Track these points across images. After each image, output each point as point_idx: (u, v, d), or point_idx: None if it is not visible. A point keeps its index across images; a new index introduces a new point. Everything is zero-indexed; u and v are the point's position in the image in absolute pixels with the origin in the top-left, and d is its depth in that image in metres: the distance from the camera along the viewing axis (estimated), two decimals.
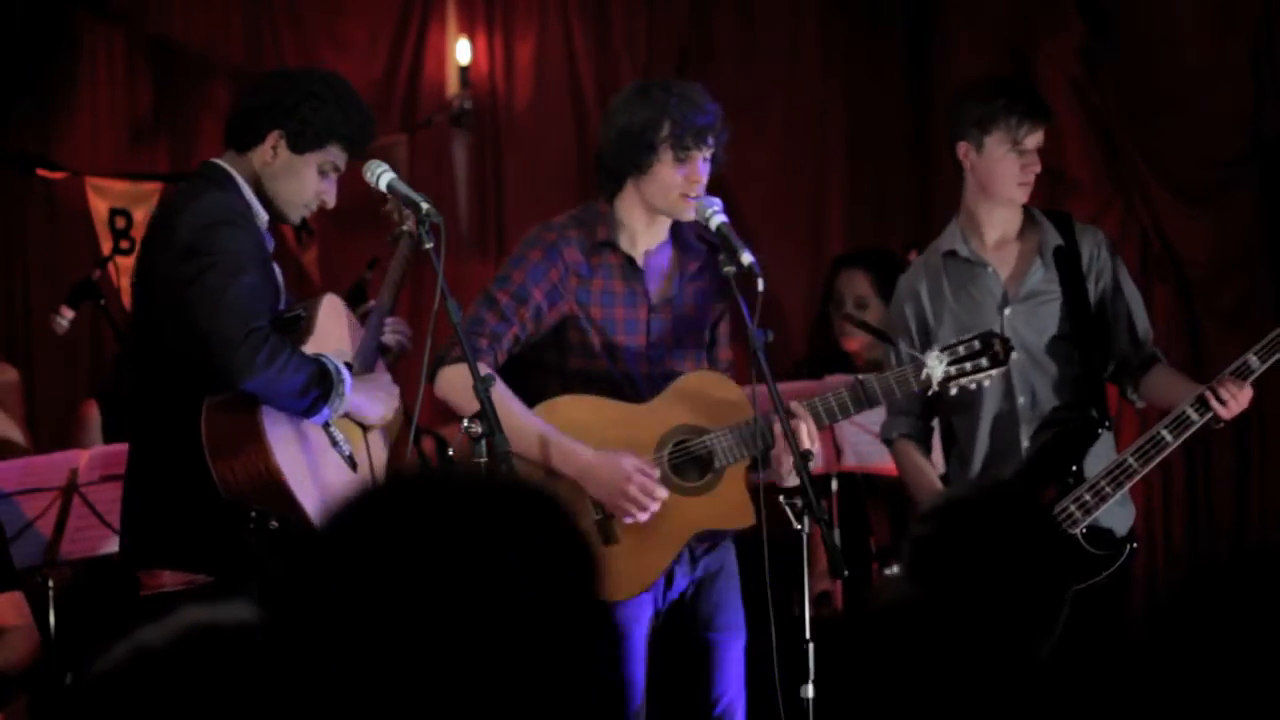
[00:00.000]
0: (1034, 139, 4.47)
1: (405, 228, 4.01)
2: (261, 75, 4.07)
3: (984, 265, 4.52)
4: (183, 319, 3.72)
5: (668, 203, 4.08)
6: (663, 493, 3.99)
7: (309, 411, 3.74)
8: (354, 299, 4.52)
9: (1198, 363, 6.54)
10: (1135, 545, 4.47)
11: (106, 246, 6.55)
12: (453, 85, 7.27)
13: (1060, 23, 6.78)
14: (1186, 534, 6.64)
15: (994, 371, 4.08)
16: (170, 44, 7.04)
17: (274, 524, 3.71)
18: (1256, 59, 6.52)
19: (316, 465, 3.80)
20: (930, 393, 4.11)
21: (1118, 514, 4.47)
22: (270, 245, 3.96)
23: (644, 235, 4.16)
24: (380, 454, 4.04)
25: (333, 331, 3.94)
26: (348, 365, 3.93)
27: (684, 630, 4.15)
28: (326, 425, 3.85)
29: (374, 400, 3.93)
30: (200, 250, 3.70)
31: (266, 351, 3.63)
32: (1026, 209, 4.58)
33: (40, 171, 6.78)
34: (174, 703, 1.43)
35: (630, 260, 4.14)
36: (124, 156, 6.97)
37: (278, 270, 3.98)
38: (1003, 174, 4.48)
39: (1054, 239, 4.52)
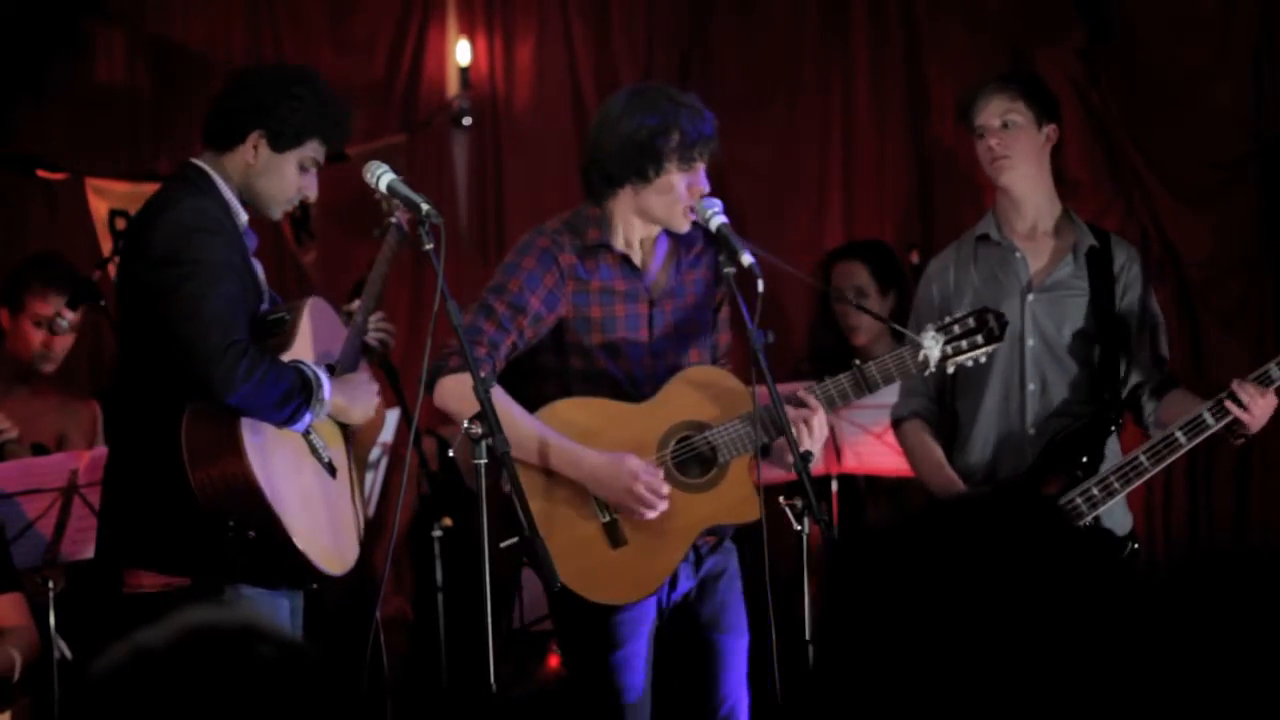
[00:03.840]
0: (986, 114, 4.55)
1: (393, 219, 4.02)
2: (237, 74, 4.02)
3: (1014, 250, 4.57)
4: (162, 329, 3.72)
5: (669, 214, 4.07)
6: (667, 490, 3.99)
7: (290, 420, 3.74)
8: (354, 299, 4.52)
9: (1198, 363, 6.54)
10: (1137, 546, 4.47)
11: (106, 247, 6.55)
12: (453, 86, 7.27)
13: (1060, 23, 6.78)
14: (1186, 534, 6.64)
15: (989, 348, 4.08)
16: (170, 44, 7.04)
17: (251, 534, 3.71)
18: (1256, 59, 6.52)
19: (293, 474, 3.79)
20: (927, 373, 4.11)
21: (1117, 516, 4.48)
22: (253, 244, 3.96)
23: (639, 234, 4.15)
24: (358, 462, 4.06)
25: (317, 334, 3.93)
26: (330, 368, 3.94)
27: (688, 631, 4.15)
28: (307, 433, 3.85)
29: (355, 400, 3.94)
30: (177, 259, 3.70)
31: (246, 364, 3.63)
32: (1067, 211, 4.62)
33: (40, 172, 6.77)
34: (172, 704, 1.43)
35: (626, 259, 4.14)
36: (124, 156, 6.97)
37: (259, 268, 3.98)
38: (981, 159, 4.61)
39: (1088, 240, 4.57)
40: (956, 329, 4.06)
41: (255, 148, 3.86)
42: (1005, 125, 4.52)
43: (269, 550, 3.74)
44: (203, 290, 3.66)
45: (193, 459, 3.69)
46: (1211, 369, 6.45)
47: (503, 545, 3.77)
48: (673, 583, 4.12)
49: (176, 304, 3.68)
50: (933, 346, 4.03)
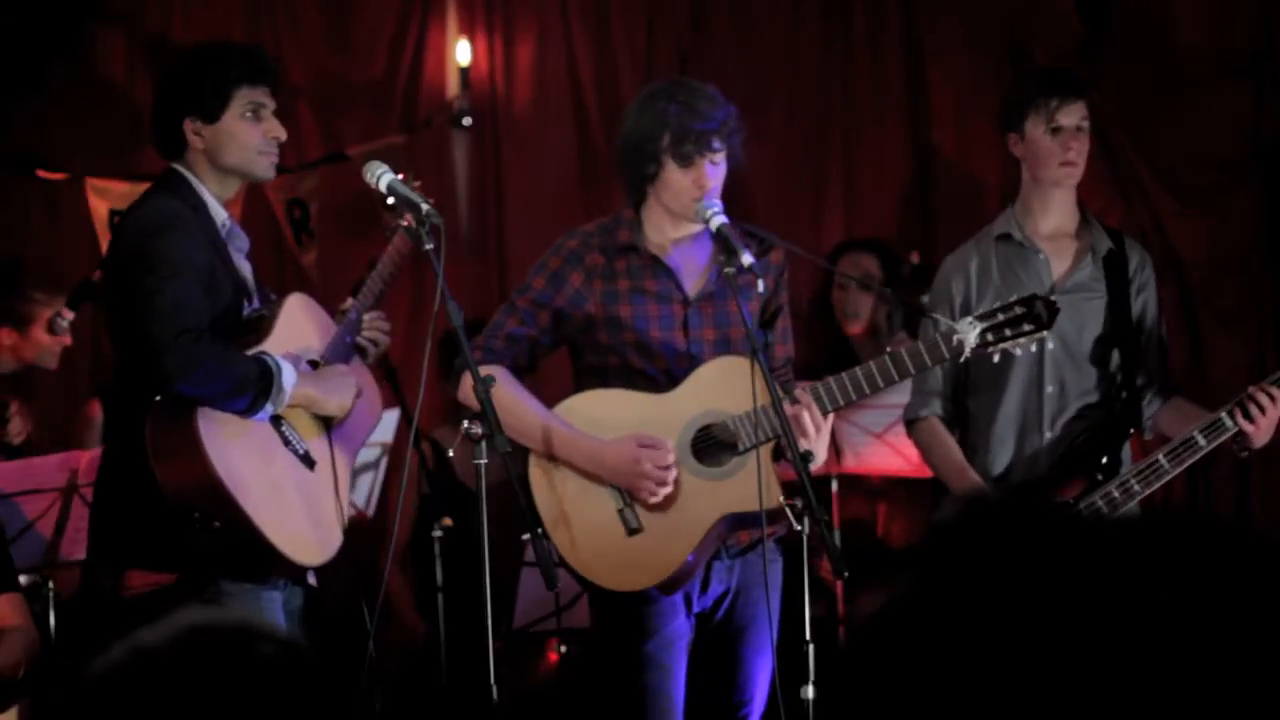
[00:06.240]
0: (1068, 115, 4.48)
1: (402, 222, 4.04)
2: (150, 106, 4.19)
3: (1036, 251, 4.55)
4: (124, 324, 3.84)
5: (682, 207, 4.08)
6: (673, 464, 3.97)
7: (249, 410, 3.77)
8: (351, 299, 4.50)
9: (1198, 363, 6.54)
10: None
11: (106, 247, 6.55)
12: (453, 86, 7.27)
13: (1060, 23, 6.78)
14: None
15: (1038, 335, 3.98)
16: (170, 44, 7.04)
17: (216, 524, 3.75)
18: (1256, 59, 6.52)
19: (261, 465, 3.81)
20: (963, 358, 3.99)
21: (1130, 515, 4.48)
22: (245, 244, 4.01)
23: (671, 235, 4.16)
24: (343, 455, 4.04)
25: (297, 330, 3.97)
26: (313, 363, 3.95)
27: (714, 638, 4.13)
28: (278, 425, 3.86)
29: (329, 392, 3.95)
30: (138, 257, 3.81)
31: (195, 354, 3.69)
32: (1083, 211, 4.60)
33: (40, 172, 6.78)
34: (172, 704, 1.43)
35: (655, 259, 4.14)
36: (124, 156, 6.96)
37: (248, 268, 4.01)
38: (1044, 155, 4.51)
39: (1106, 243, 4.56)
40: (1001, 316, 3.96)
41: (197, 133, 3.97)
42: (1079, 129, 4.50)
43: (237, 541, 3.76)
44: (159, 285, 3.74)
45: (155, 454, 3.75)
46: (1211, 369, 6.45)
47: (524, 538, 3.78)
48: (704, 585, 4.11)
49: (135, 299, 3.78)
50: (969, 332, 3.93)
